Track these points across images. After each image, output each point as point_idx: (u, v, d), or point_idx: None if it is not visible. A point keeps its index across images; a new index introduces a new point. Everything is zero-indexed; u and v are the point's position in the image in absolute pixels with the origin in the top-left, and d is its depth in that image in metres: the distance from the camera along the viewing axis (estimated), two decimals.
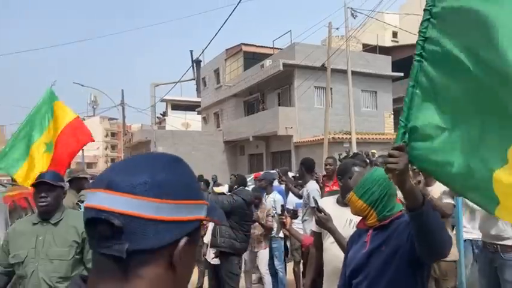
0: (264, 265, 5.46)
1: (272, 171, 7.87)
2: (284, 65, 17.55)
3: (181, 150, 21.93)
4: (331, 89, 16.32)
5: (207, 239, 5.44)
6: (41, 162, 4.23)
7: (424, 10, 1.60)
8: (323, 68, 15.15)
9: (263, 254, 5.44)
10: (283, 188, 6.43)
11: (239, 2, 8.79)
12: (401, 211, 1.90)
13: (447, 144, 1.50)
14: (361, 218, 1.99)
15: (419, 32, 1.59)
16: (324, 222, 2.33)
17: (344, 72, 14.90)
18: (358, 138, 14.78)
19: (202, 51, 23.76)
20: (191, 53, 27.43)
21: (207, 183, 8.03)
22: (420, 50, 1.58)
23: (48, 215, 2.45)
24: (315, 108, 18.28)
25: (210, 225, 5.33)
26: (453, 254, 3.68)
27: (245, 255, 5.42)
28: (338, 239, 2.30)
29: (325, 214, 2.33)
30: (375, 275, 1.83)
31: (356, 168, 2.51)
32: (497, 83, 1.37)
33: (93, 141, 4.94)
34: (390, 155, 1.49)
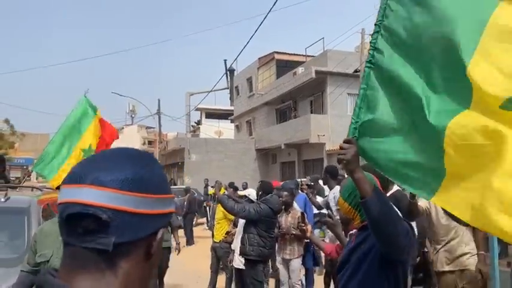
0: (296, 276, 5.15)
1: (292, 180, 7.71)
2: (316, 72, 17.44)
3: (213, 158, 22.20)
4: None
5: (234, 245, 5.41)
6: None
7: (375, 24, 1.83)
8: (356, 74, 14.92)
9: (295, 264, 5.14)
10: (306, 196, 6.30)
11: (269, 11, 8.85)
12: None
13: (393, 138, 1.69)
14: None
15: (370, 42, 1.84)
16: (331, 227, 2.46)
17: None
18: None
19: (235, 59, 24.18)
20: (225, 62, 27.86)
21: (235, 189, 8.07)
22: (371, 58, 1.81)
23: None
24: (347, 115, 17.95)
25: (238, 233, 5.30)
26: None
27: (279, 265, 5.29)
28: (344, 245, 2.38)
29: (333, 219, 2.44)
30: (353, 270, 1.97)
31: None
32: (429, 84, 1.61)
33: (117, 137, 5.01)
34: (340, 147, 1.69)
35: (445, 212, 3.49)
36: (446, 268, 3.53)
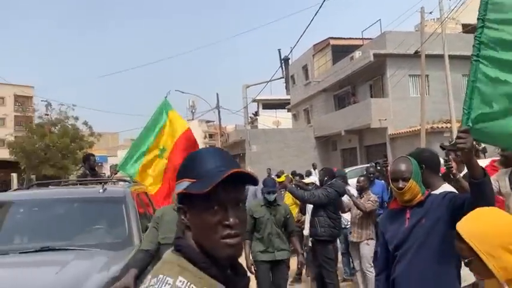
0: (366, 261, 5.03)
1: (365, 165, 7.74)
2: (375, 55, 16.99)
3: (273, 148, 22.54)
4: (427, 76, 15.36)
5: (306, 231, 5.65)
6: (155, 167, 4.78)
7: (478, 19, 1.97)
8: (417, 55, 14.34)
9: (364, 250, 5.04)
10: (383, 182, 6.26)
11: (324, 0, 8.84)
12: (427, 190, 2.31)
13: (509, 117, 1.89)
14: (393, 199, 2.43)
15: (475, 37, 1.97)
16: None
17: (442, 57, 13.92)
18: (460, 126, 13.66)
19: (291, 50, 24.20)
20: (279, 52, 27.93)
21: (301, 176, 8.72)
22: (477, 52, 1.96)
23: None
24: (410, 97, 17.34)
25: (307, 219, 5.53)
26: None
27: (351, 251, 5.43)
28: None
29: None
30: (419, 244, 2.16)
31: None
32: None
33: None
34: (458, 137, 1.91)
35: None
36: None
